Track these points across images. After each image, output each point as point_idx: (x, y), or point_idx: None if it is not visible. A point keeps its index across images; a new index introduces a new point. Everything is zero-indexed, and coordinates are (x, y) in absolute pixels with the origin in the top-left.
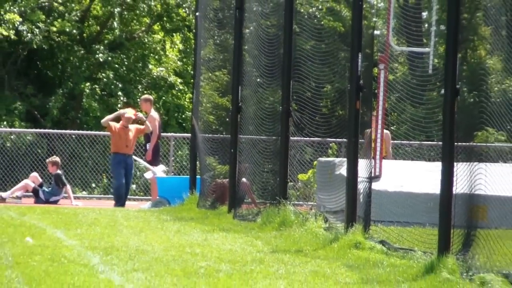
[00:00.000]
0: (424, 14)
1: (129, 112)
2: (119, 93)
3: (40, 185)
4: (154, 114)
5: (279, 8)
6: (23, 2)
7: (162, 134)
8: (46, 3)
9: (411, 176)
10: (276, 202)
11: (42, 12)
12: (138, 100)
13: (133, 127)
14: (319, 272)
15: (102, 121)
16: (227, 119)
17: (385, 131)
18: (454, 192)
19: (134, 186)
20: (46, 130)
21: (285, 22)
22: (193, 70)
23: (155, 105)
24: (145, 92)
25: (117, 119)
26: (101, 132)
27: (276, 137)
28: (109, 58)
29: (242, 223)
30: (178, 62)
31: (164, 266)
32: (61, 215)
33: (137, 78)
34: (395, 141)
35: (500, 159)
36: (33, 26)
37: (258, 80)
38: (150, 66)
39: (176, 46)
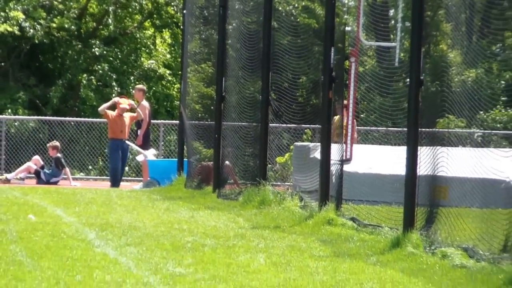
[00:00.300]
0: (391, 11)
1: (124, 103)
2: (114, 83)
3: (42, 167)
4: (145, 103)
5: (259, 6)
6: (26, 1)
7: (152, 121)
8: (47, 2)
9: (379, 159)
10: (256, 183)
11: (43, 10)
12: (132, 90)
13: (127, 115)
14: (295, 246)
15: (99, 109)
16: (212, 107)
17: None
18: (418, 174)
19: (126, 168)
20: (47, 118)
21: (264, 19)
22: (181, 62)
23: (146, 94)
24: (137, 82)
25: (112, 107)
26: (97, 119)
27: (256, 123)
28: (104, 52)
29: (225, 202)
30: (167, 56)
31: (154, 241)
32: (60, 195)
33: (130, 70)
34: (365, 127)
35: (460, 143)
36: (35, 23)
37: (239, 72)
38: (142, 59)
39: (165, 41)
